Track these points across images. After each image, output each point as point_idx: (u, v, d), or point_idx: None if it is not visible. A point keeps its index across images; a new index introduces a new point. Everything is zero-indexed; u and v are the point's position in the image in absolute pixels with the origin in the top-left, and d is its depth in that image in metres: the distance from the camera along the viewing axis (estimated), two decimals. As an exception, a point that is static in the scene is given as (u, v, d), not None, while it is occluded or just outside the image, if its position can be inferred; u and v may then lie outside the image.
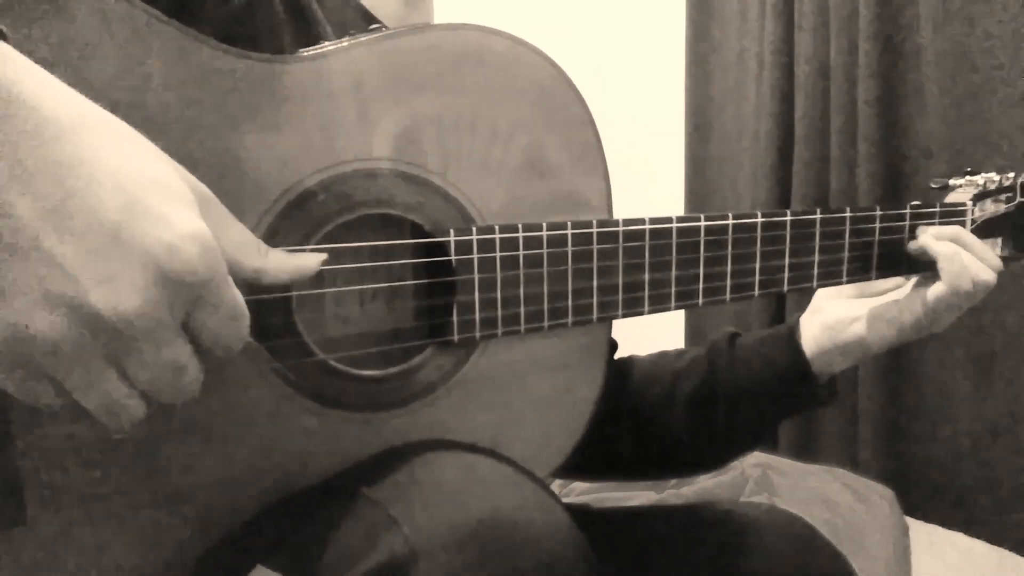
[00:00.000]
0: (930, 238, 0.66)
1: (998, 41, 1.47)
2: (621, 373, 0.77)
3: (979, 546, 1.46)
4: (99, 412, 0.37)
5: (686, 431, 0.73)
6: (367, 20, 0.70)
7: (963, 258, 0.65)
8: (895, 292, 0.70)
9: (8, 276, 0.33)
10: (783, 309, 1.88)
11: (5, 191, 0.33)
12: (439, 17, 0.79)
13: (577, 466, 0.67)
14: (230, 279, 0.39)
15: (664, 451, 0.76)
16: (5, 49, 0.34)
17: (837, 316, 0.69)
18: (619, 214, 0.60)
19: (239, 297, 0.39)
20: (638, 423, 0.75)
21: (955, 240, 0.66)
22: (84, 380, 0.36)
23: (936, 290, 0.65)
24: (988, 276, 0.66)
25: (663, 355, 0.79)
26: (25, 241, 0.33)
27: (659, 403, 0.75)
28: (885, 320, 0.67)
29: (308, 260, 0.46)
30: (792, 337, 0.70)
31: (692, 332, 2.19)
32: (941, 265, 0.65)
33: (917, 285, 0.68)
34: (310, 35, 0.61)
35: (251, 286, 0.43)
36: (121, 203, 0.34)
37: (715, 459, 0.78)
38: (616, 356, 0.80)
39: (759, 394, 0.71)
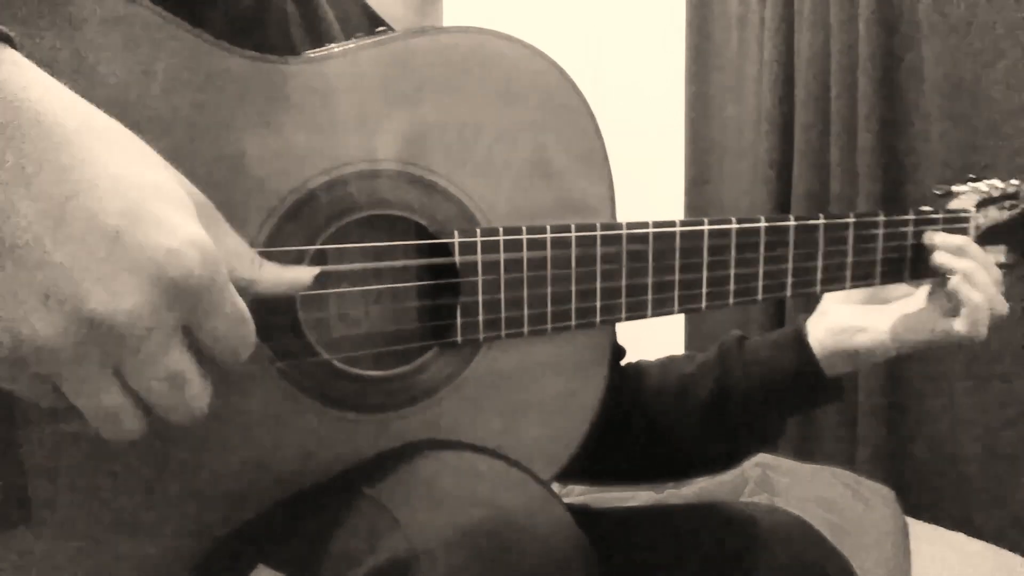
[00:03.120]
0: (961, 281, 0.66)
1: (998, 41, 1.47)
2: (630, 379, 0.78)
3: (979, 546, 1.46)
4: (95, 419, 0.37)
5: (700, 434, 0.74)
6: (373, 22, 0.70)
7: (986, 308, 0.65)
8: (903, 302, 0.70)
9: (8, 276, 0.33)
10: (783, 315, 1.88)
11: (8, 193, 0.33)
12: (447, 22, 0.79)
13: (584, 471, 0.67)
14: (231, 285, 0.39)
15: (676, 455, 0.76)
16: (13, 56, 0.34)
17: (844, 324, 0.70)
18: (619, 215, 0.60)
19: (241, 302, 0.39)
20: (650, 429, 0.76)
21: (964, 253, 0.66)
22: (81, 384, 0.36)
23: (955, 328, 0.65)
24: (1004, 310, 0.66)
25: (672, 360, 0.79)
26: (25, 243, 0.33)
27: (672, 408, 0.75)
28: (891, 336, 0.68)
29: (301, 274, 0.46)
30: (801, 339, 0.71)
31: (691, 332, 2.19)
32: (966, 311, 0.65)
33: (930, 306, 0.68)
34: (319, 34, 0.61)
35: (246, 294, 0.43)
36: (121, 208, 0.35)
37: (726, 460, 0.79)
38: (624, 362, 0.80)
39: (771, 394, 0.72)
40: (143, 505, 0.47)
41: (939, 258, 0.67)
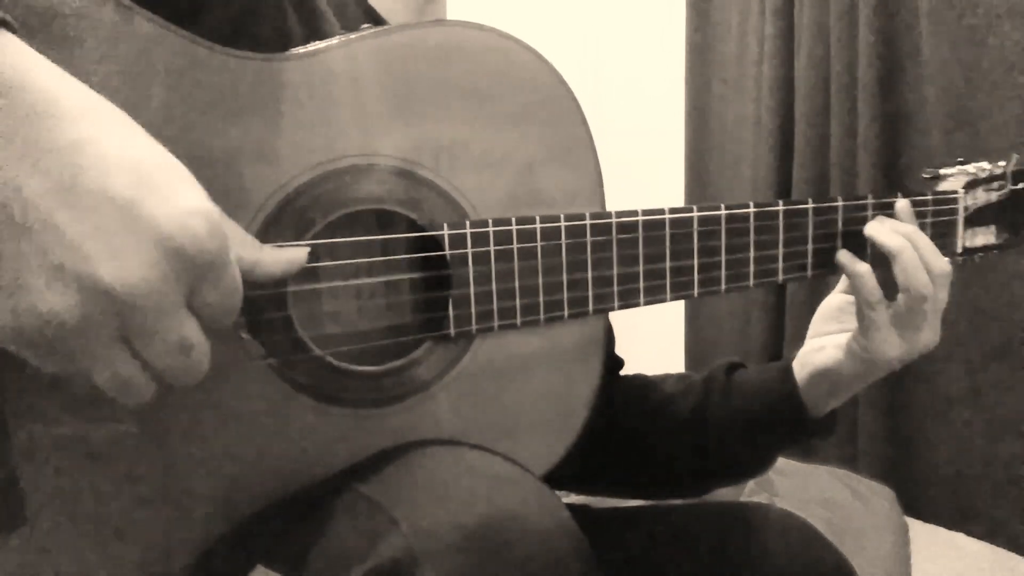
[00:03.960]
0: (877, 227, 0.64)
1: (997, 37, 1.48)
2: (623, 390, 0.77)
3: (979, 546, 1.47)
4: (110, 388, 0.38)
5: (675, 454, 0.74)
6: (370, 16, 0.70)
7: (913, 252, 0.63)
8: None
9: (19, 253, 0.34)
10: (783, 315, 1.88)
11: (16, 171, 0.34)
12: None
13: (569, 476, 0.66)
14: (233, 258, 0.39)
15: (652, 472, 0.76)
16: (15, 41, 0.35)
17: (810, 347, 0.70)
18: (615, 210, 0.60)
19: (238, 275, 0.40)
20: (629, 441, 0.75)
21: (907, 237, 0.64)
22: (94, 354, 0.36)
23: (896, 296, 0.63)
24: (943, 263, 0.64)
25: (665, 377, 0.79)
26: (36, 219, 0.34)
27: (654, 424, 0.75)
28: (844, 350, 0.66)
29: (297, 253, 0.47)
30: (787, 369, 0.70)
31: (692, 346, 2.19)
32: (893, 255, 0.63)
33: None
34: (316, 29, 0.61)
35: (245, 281, 0.43)
36: (131, 180, 0.35)
37: (702, 485, 0.78)
38: (622, 373, 0.80)
39: (751, 422, 0.70)
40: (138, 505, 0.47)
41: (872, 230, 0.65)
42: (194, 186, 0.38)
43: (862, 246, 0.66)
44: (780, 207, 0.64)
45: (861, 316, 0.64)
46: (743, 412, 0.71)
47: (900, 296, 0.63)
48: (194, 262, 0.36)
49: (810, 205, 0.64)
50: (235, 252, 0.41)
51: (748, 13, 1.99)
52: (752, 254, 0.63)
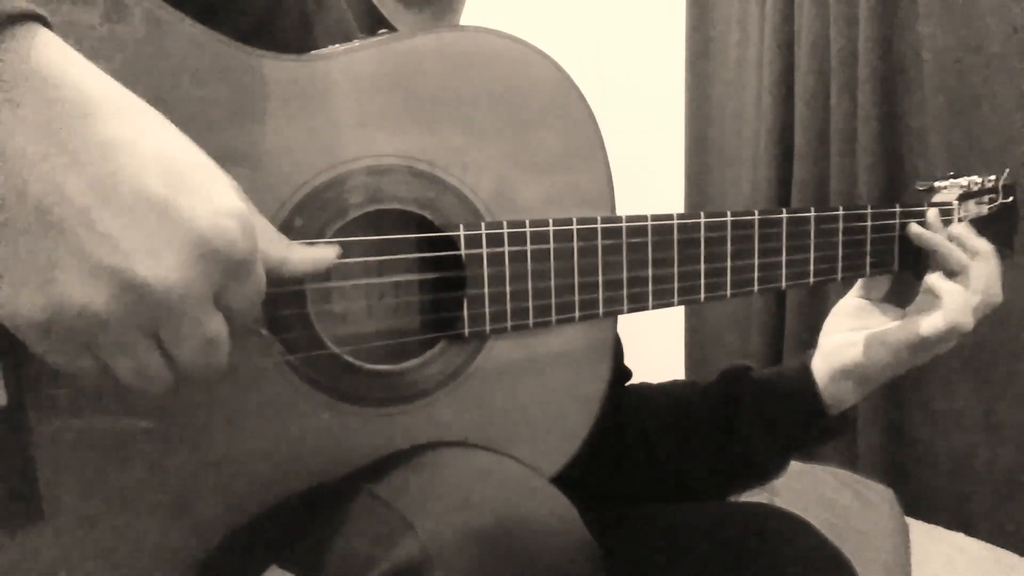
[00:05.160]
0: (938, 278, 0.69)
1: (997, 41, 1.48)
2: (633, 400, 0.78)
3: (979, 546, 1.46)
4: (128, 378, 0.38)
5: (698, 458, 0.74)
6: (378, 23, 0.71)
7: (967, 299, 0.67)
8: (896, 320, 0.70)
9: (56, 250, 0.34)
10: (783, 318, 1.88)
11: (54, 168, 0.34)
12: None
13: (583, 492, 0.67)
14: (260, 256, 0.40)
15: (673, 480, 0.76)
16: (51, 36, 0.35)
17: (835, 343, 0.71)
18: (620, 213, 0.61)
19: (263, 273, 0.41)
20: (650, 452, 0.76)
21: (977, 251, 0.69)
22: (121, 349, 0.37)
23: (934, 325, 0.66)
24: (998, 299, 0.69)
25: (675, 384, 0.80)
26: (73, 215, 0.34)
27: (673, 432, 0.75)
28: (879, 342, 0.69)
29: (325, 251, 0.47)
30: (805, 368, 0.72)
31: (692, 352, 2.20)
32: (945, 303, 0.66)
33: (917, 312, 0.69)
34: (335, 31, 0.62)
35: (270, 277, 0.44)
36: (167, 179, 0.36)
37: (722, 488, 0.78)
38: (628, 384, 0.80)
39: (773, 424, 0.72)
40: (153, 501, 0.47)
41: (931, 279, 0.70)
42: (227, 185, 0.38)
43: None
44: (783, 215, 0.65)
45: (939, 286, 0.68)
46: (766, 411, 0.72)
47: (975, 295, 0.67)
48: (226, 263, 0.37)
49: (812, 214, 0.66)
50: (263, 249, 0.41)
51: (747, 13, 1.98)
52: (756, 260, 0.65)
